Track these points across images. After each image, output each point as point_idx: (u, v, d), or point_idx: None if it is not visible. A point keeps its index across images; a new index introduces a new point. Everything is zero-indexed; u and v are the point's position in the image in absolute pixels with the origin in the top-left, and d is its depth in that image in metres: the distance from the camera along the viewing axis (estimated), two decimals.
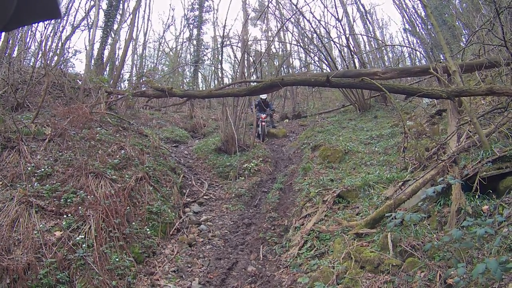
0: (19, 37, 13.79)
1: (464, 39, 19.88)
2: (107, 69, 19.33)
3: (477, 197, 5.14)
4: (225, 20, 51.14)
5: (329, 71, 17.08)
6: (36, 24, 14.39)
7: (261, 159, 12.90)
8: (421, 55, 25.44)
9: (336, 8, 34.44)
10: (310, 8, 42.56)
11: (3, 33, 10.86)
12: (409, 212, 5.00)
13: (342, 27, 20.58)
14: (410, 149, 8.31)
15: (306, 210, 8.03)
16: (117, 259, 6.48)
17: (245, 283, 6.56)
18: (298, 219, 7.98)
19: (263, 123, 17.93)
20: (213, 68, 28.50)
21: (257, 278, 6.66)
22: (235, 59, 23.56)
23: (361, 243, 5.74)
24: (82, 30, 41.58)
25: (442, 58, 17.32)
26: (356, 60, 18.26)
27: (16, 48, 13.98)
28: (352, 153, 10.22)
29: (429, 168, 6.52)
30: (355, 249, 5.59)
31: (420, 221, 5.13)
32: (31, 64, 14.10)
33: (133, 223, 7.53)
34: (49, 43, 16.67)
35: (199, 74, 31.02)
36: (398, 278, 4.53)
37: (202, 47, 28.65)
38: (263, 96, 18.35)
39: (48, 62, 12.90)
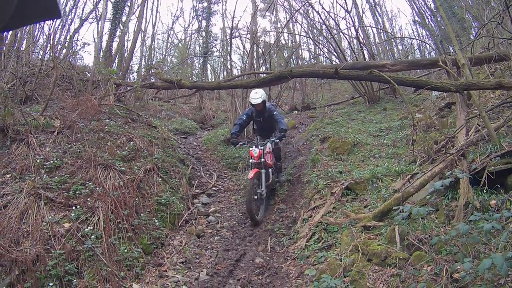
0: (27, 30, 13.83)
1: (473, 32, 19.71)
2: (116, 61, 19.32)
3: (485, 191, 5.12)
4: (234, 11, 51.26)
5: (338, 62, 16.97)
6: None
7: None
8: (431, 47, 25.35)
9: (345, 0, 34.35)
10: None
11: None
12: (417, 206, 5.00)
13: (352, 19, 20.40)
14: (418, 142, 8.26)
15: (314, 202, 8.02)
16: (125, 250, 6.55)
17: (253, 274, 6.58)
18: (306, 211, 7.97)
19: (264, 170, 9.51)
20: (222, 59, 28.40)
21: (264, 269, 6.69)
22: (244, 50, 23.48)
23: (368, 236, 5.73)
24: (91, 23, 41.36)
25: (452, 50, 17.22)
26: (365, 52, 18.10)
27: (25, 42, 14.01)
28: (361, 145, 10.18)
29: (437, 161, 6.50)
30: (363, 241, 5.58)
31: (428, 215, 5.11)
32: (40, 57, 14.11)
33: (142, 215, 7.58)
34: (57, 36, 16.74)
35: (208, 65, 30.99)
36: (404, 272, 4.53)
37: (211, 38, 28.68)
38: (255, 98, 9.94)
39: (57, 54, 12.91)
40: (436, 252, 4.51)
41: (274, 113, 10.17)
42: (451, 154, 6.04)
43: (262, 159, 9.46)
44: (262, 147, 9.65)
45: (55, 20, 18.52)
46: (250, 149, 9.74)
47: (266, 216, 9.07)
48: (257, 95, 9.98)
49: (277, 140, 9.94)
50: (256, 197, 8.88)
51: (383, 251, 5.09)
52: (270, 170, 9.96)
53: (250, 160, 9.79)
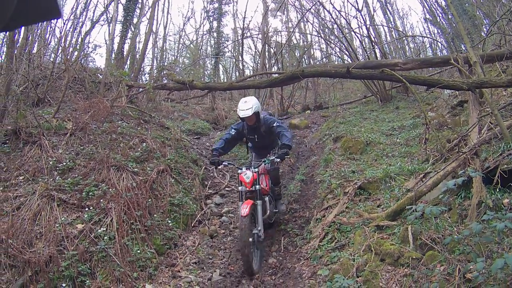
0: (38, 33, 13.95)
1: (484, 29, 19.63)
2: (128, 62, 19.40)
3: (498, 190, 5.08)
4: (245, 11, 51.29)
5: (350, 62, 16.93)
6: (55, 20, 14.52)
7: None
8: (442, 45, 25.19)
9: None
10: None
11: (22, 30, 10.96)
12: (430, 205, 4.97)
13: (363, 18, 20.33)
14: (431, 140, 8.22)
15: (328, 201, 7.99)
16: (138, 251, 6.60)
17: (266, 274, 6.61)
18: (319, 210, 7.94)
19: (260, 201, 7.37)
20: (234, 60, 28.52)
21: (277, 269, 6.72)
22: (256, 50, 23.57)
23: (381, 236, 5.71)
24: (102, 25, 41.73)
25: (463, 48, 17.13)
26: (377, 51, 18.07)
27: (36, 45, 14.15)
28: (373, 144, 10.13)
29: (450, 160, 6.46)
30: (376, 241, 5.56)
31: (441, 214, 5.08)
32: (51, 60, 14.22)
33: (155, 215, 7.61)
34: (68, 38, 16.91)
35: (220, 66, 31.03)
36: (417, 272, 4.51)
37: (223, 39, 28.70)
38: (244, 110, 7.69)
39: (68, 57, 12.97)
40: (449, 252, 4.48)
41: (274, 125, 7.98)
42: (463, 153, 6.00)
43: (257, 186, 7.29)
44: (256, 169, 7.43)
45: (74, 16, 18.75)
46: (240, 171, 7.50)
47: (280, 215, 8.84)
48: (246, 105, 7.71)
49: (277, 160, 7.64)
50: (252, 239, 6.68)
51: (396, 251, 5.07)
52: (267, 198, 7.79)
53: (240, 188, 7.41)
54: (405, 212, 5.71)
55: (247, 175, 7.31)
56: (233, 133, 8.23)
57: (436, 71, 16.23)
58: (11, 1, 1.08)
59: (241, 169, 7.54)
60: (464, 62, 8.81)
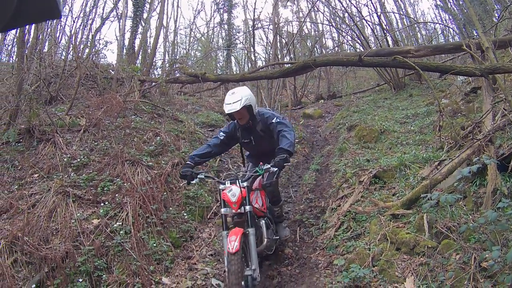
0: (49, 32, 13.99)
1: (496, 15, 19.44)
2: (139, 57, 19.41)
3: None
4: (255, 2, 51.05)
5: (362, 50, 16.87)
6: (65, 18, 14.58)
7: (297, 140, 12.66)
8: (454, 31, 25.00)
9: None
10: None
11: (33, 29, 11.02)
12: (445, 193, 4.95)
13: (373, 5, 20.35)
14: (445, 127, 8.17)
15: (343, 191, 7.99)
16: (154, 245, 6.64)
17: (282, 265, 6.59)
18: (335, 200, 7.94)
19: (252, 228, 5.19)
20: (245, 51, 28.43)
21: (293, 260, 6.69)
22: (267, 41, 23.44)
23: (397, 224, 5.70)
24: (112, 21, 41.82)
25: (475, 34, 16.98)
26: (389, 38, 17.99)
27: (47, 44, 14.18)
28: (388, 133, 10.11)
29: (465, 147, 6.41)
30: (391, 230, 5.56)
31: (456, 202, 5.06)
32: (63, 58, 14.29)
33: (170, 208, 7.64)
34: (79, 36, 16.92)
35: (232, 58, 31.07)
36: (433, 260, 4.50)
37: (234, 31, 28.72)
38: (231, 103, 5.63)
39: (79, 54, 13.02)
40: (465, 240, 4.47)
41: (273, 121, 5.90)
42: (478, 140, 5.96)
43: (248, 207, 5.22)
44: (246, 183, 5.38)
45: (84, 13, 18.78)
46: (222, 187, 5.37)
47: (295, 205, 8.92)
48: (233, 97, 5.68)
49: (274, 169, 5.25)
50: (244, 283, 4.70)
51: (412, 239, 5.07)
52: (263, 222, 5.92)
53: (223, 210, 5.31)
54: (420, 201, 5.69)
55: (232, 191, 5.18)
56: (221, 138, 6.19)
57: (449, 58, 16.12)
58: (11, 1, 1.09)
59: (224, 183, 5.39)
60: (476, 48, 8.74)
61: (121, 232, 6.46)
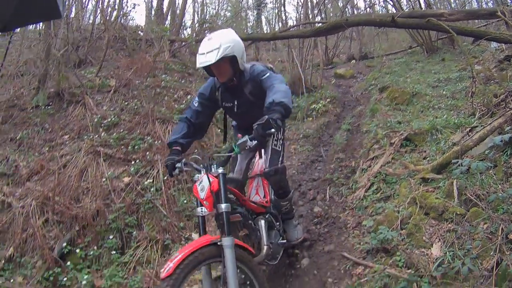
0: None
1: None
2: (168, 18, 19.31)
3: None
4: None
5: (395, 11, 16.60)
6: None
7: (328, 100, 12.62)
8: None
9: None
10: None
11: None
12: (476, 160, 4.89)
13: None
14: (478, 94, 8.00)
15: (373, 152, 7.91)
16: (185, 201, 6.71)
17: (311, 223, 6.63)
18: (365, 161, 7.87)
19: (224, 239, 3.27)
20: (276, 11, 28.12)
21: (322, 219, 6.68)
22: (298, 0, 23.15)
23: (426, 189, 5.63)
24: None
25: (510, 1, 16.53)
26: (421, 1, 17.63)
27: (73, 9, 14.20)
28: (419, 96, 9.93)
29: (497, 115, 6.28)
30: (421, 194, 5.50)
31: (486, 170, 4.97)
32: (90, 22, 14.32)
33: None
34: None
35: (263, 17, 30.69)
36: (461, 228, 4.44)
37: None
38: (204, 53, 3.79)
39: (107, 17, 13.02)
40: (493, 210, 4.38)
41: (264, 76, 4.18)
42: (510, 109, 5.85)
43: (224, 205, 3.54)
44: (222, 169, 3.70)
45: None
46: (195, 179, 3.73)
47: (326, 164, 8.88)
48: (209, 44, 3.90)
49: (253, 142, 3.61)
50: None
51: (441, 205, 5.00)
52: (263, 222, 4.45)
53: (198, 210, 3.71)
54: (451, 166, 5.61)
55: (202, 183, 3.60)
56: (195, 106, 4.45)
57: (482, 24, 15.71)
58: (11, 1, 1.09)
59: (200, 172, 3.69)
60: (511, 15, 8.51)
61: (152, 189, 6.56)
